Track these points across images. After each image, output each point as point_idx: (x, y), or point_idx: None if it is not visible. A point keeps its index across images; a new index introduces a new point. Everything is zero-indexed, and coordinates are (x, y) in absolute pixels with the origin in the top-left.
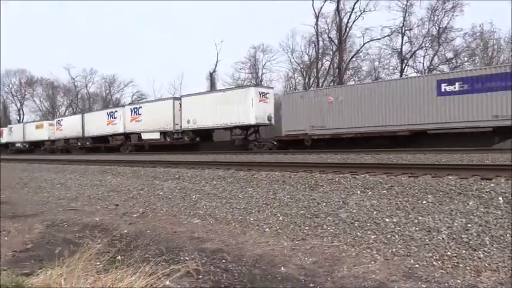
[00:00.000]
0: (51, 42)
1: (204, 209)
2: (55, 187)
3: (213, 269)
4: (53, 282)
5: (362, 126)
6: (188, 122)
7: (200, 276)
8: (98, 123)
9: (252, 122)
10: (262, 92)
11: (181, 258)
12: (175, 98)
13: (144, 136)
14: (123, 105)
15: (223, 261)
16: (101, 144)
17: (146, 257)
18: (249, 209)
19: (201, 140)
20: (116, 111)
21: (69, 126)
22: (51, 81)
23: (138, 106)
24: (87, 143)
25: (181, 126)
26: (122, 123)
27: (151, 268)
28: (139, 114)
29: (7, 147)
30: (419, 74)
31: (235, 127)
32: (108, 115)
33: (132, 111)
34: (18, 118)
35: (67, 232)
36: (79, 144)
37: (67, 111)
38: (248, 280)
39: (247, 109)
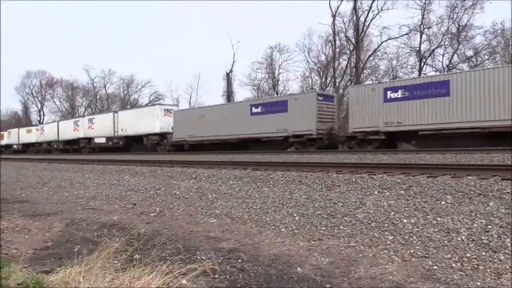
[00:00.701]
0: (71, 43)
1: (221, 208)
2: (74, 186)
3: (229, 268)
4: (71, 280)
5: (216, 135)
6: (122, 130)
7: (216, 276)
8: (68, 130)
9: (157, 130)
10: (167, 109)
11: (198, 257)
12: (114, 112)
13: (96, 140)
14: (84, 116)
15: (240, 260)
16: (70, 147)
17: (163, 256)
18: (265, 208)
19: (135, 143)
20: (79, 120)
21: (49, 131)
22: (71, 82)
23: (92, 117)
24: (61, 145)
25: (118, 133)
26: (82, 130)
27: (168, 267)
28: (93, 123)
29: (7, 148)
30: (241, 100)
31: (149, 134)
32: (74, 123)
33: (88, 121)
34: (38, 119)
35: (86, 231)
36: (55, 146)
37: (86, 112)
38: (264, 280)
39: (154, 121)
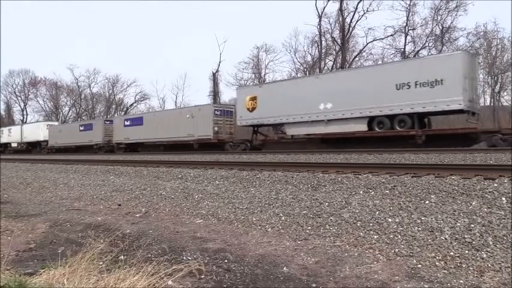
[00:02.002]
0: (55, 42)
1: (207, 208)
2: (58, 187)
3: (216, 268)
4: (55, 282)
5: (147, 138)
6: (25, 138)
7: (202, 276)
8: (31, 133)
9: (42, 139)
10: (49, 124)
11: (184, 258)
12: (21, 125)
13: (12, 144)
14: (43, 121)
15: (226, 261)
16: (32, 148)
17: (149, 256)
18: (251, 209)
19: (33, 147)
20: (39, 125)
21: (14, 134)
22: (55, 82)
23: (10, 128)
24: (24, 146)
25: (23, 140)
26: (41, 133)
27: (153, 268)
28: (11, 132)
29: None
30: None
31: (39, 141)
32: (35, 127)
33: (8, 131)
34: (21, 118)
35: (70, 232)
36: (19, 147)
37: (70, 112)
38: (250, 280)
39: (40, 133)
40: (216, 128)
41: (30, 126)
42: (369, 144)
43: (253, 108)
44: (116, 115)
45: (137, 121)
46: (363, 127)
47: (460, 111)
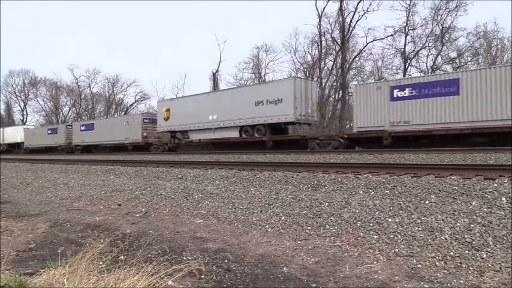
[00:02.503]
0: (54, 42)
1: (207, 208)
2: (58, 187)
3: (216, 268)
4: (55, 282)
5: (97, 141)
6: (5, 140)
7: (202, 276)
8: (10, 135)
9: (19, 141)
10: (25, 128)
11: (184, 258)
12: (22, 126)
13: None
14: (22, 125)
15: (226, 261)
16: (12, 149)
17: (149, 256)
18: (251, 209)
19: (13, 148)
20: (17, 128)
21: None
22: (55, 82)
23: (22, 127)
24: (5, 147)
25: (3, 142)
26: (19, 135)
27: (153, 268)
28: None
29: None
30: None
31: (17, 142)
32: (14, 130)
33: (22, 130)
34: (21, 118)
35: (70, 232)
36: (0, 148)
37: (70, 112)
38: (250, 280)
39: (18, 135)
40: (144, 133)
41: (10, 129)
42: (241, 148)
43: (168, 118)
44: (115, 115)
45: (90, 127)
46: (236, 134)
47: (292, 123)
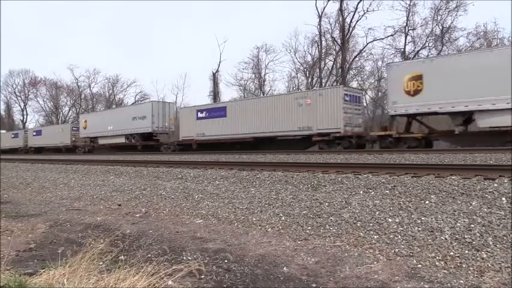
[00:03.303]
0: (54, 42)
1: (207, 209)
2: (58, 187)
3: (216, 269)
4: (55, 282)
5: (45, 144)
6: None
7: (202, 276)
8: None
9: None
10: (14, 133)
11: (184, 258)
12: None
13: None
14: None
15: (226, 261)
16: None
17: (149, 256)
18: (251, 209)
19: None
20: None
21: None
22: (55, 82)
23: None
24: None
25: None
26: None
27: (153, 268)
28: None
29: None
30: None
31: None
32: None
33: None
34: (21, 118)
35: (70, 232)
36: None
37: (70, 112)
38: (250, 280)
39: (21, 140)
40: (73, 138)
41: None
42: (129, 150)
43: (85, 127)
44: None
45: (39, 133)
46: (122, 140)
47: (151, 133)
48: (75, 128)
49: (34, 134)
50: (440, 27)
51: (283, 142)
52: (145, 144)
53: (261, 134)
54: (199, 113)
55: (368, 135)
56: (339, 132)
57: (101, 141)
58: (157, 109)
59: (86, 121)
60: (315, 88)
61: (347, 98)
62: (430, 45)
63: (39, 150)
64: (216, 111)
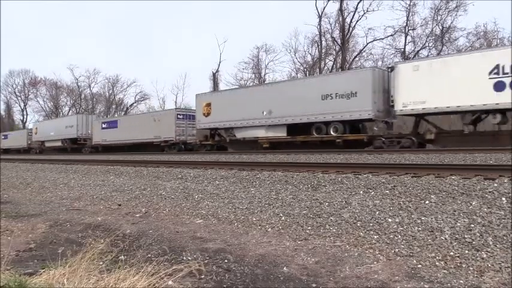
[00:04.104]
0: (54, 42)
1: (207, 209)
2: (58, 187)
3: (216, 269)
4: (55, 282)
5: (10, 145)
6: None
7: (202, 276)
8: None
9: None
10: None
11: (184, 258)
12: None
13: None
14: None
15: (226, 261)
16: None
17: (149, 256)
18: (251, 209)
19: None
20: None
21: None
22: (55, 82)
23: None
24: None
25: None
26: None
27: (153, 268)
28: None
29: None
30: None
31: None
32: None
33: None
34: (21, 118)
35: (70, 232)
36: None
37: (70, 112)
38: (250, 280)
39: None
40: (29, 141)
41: None
42: (64, 151)
43: (36, 133)
44: (117, 115)
45: (6, 136)
46: (60, 143)
47: (76, 138)
48: (31, 134)
49: (3, 137)
50: (440, 27)
51: (146, 146)
52: (72, 147)
53: (135, 140)
54: (103, 124)
55: (194, 142)
56: (172, 140)
57: (47, 144)
58: (81, 120)
59: (36, 128)
60: (162, 110)
61: (180, 117)
62: (430, 45)
63: (6, 151)
64: (112, 123)
